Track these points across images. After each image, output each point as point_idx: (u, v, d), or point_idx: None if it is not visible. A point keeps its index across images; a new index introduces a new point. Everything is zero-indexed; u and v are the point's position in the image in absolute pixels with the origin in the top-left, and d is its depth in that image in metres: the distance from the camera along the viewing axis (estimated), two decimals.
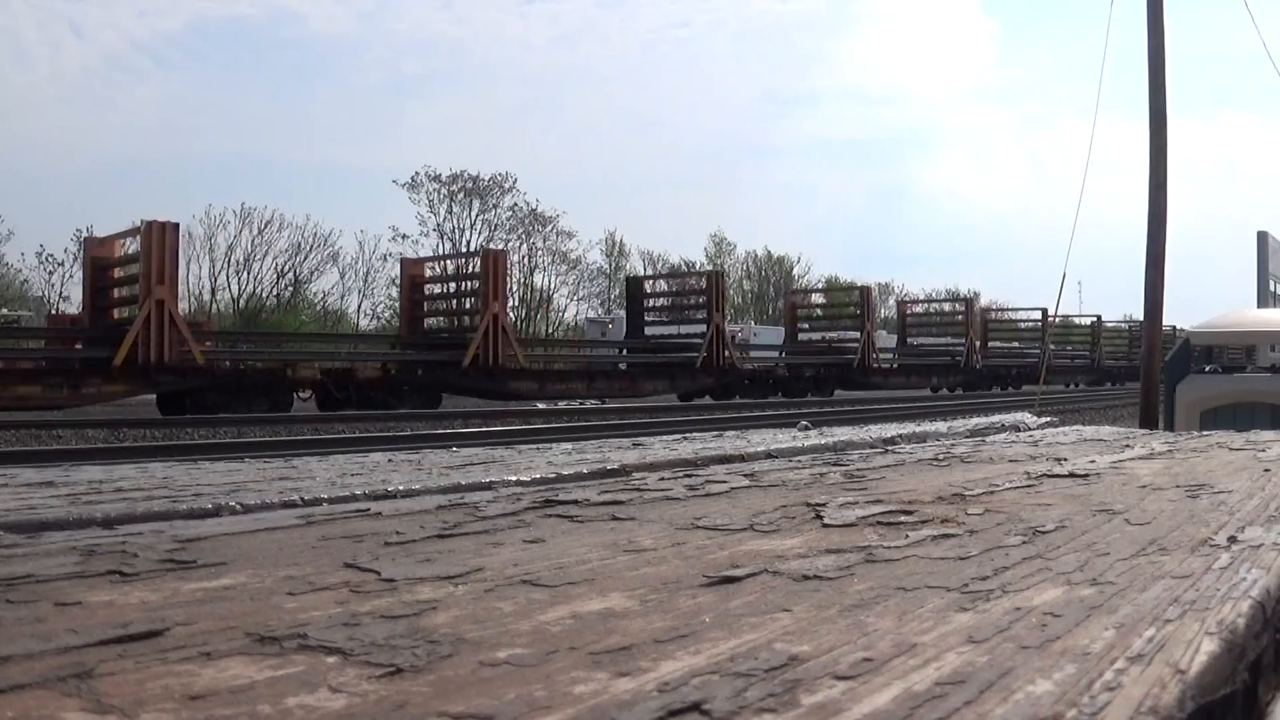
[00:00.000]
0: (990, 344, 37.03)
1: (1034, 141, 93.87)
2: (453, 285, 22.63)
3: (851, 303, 30.54)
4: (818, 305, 33.62)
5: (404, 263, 23.44)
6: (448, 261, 23.86)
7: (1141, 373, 12.94)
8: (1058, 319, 30.75)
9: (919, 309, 39.37)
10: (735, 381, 24.60)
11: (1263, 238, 21.09)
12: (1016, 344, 38.01)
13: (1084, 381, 39.29)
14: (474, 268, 21.14)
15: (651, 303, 26.70)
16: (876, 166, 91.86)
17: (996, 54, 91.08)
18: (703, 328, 23.68)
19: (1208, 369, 10.92)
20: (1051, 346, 37.07)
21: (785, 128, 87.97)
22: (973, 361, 32.00)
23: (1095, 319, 43.11)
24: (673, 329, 25.60)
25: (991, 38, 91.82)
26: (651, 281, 28.40)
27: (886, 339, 36.75)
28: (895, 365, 31.14)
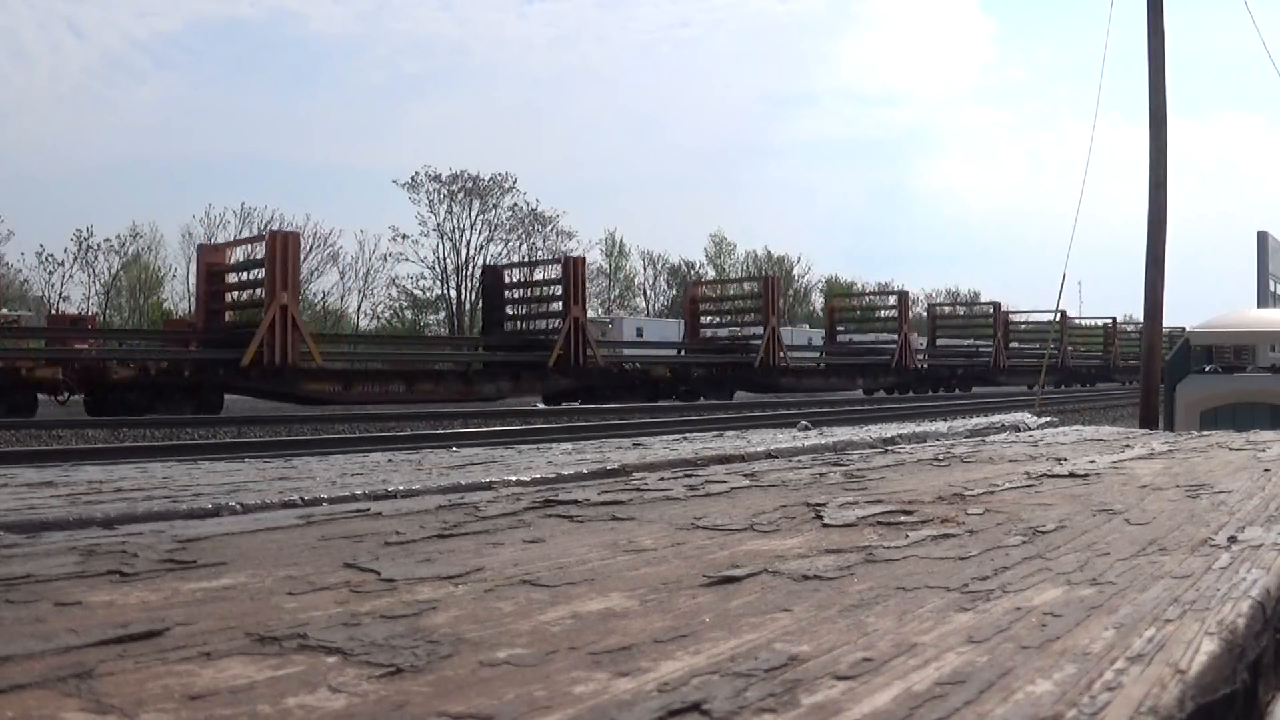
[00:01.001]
0: (939, 341, 35.56)
1: (1033, 141, 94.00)
2: (246, 274, 18.61)
3: (754, 294, 27.18)
4: (722, 298, 29.57)
5: (201, 250, 20.15)
6: (247, 247, 19.70)
7: (1142, 373, 12.94)
8: (1054, 317, 30.19)
9: (854, 304, 37.38)
10: (600, 382, 21.73)
11: (1263, 238, 21.09)
12: (972, 341, 35.88)
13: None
14: (259, 254, 17.94)
15: (513, 294, 23.39)
16: (876, 166, 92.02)
17: (996, 54, 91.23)
18: (559, 321, 21.19)
19: (1208, 369, 10.92)
20: (1052, 347, 37.03)
21: (785, 128, 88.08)
22: (906, 361, 29.29)
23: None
24: (543, 323, 22.59)
25: (990, 38, 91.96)
26: (512, 271, 24.53)
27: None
28: (823, 365, 28.83)
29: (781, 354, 25.58)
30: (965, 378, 32.82)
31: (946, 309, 44.02)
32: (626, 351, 26.18)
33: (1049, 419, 3.31)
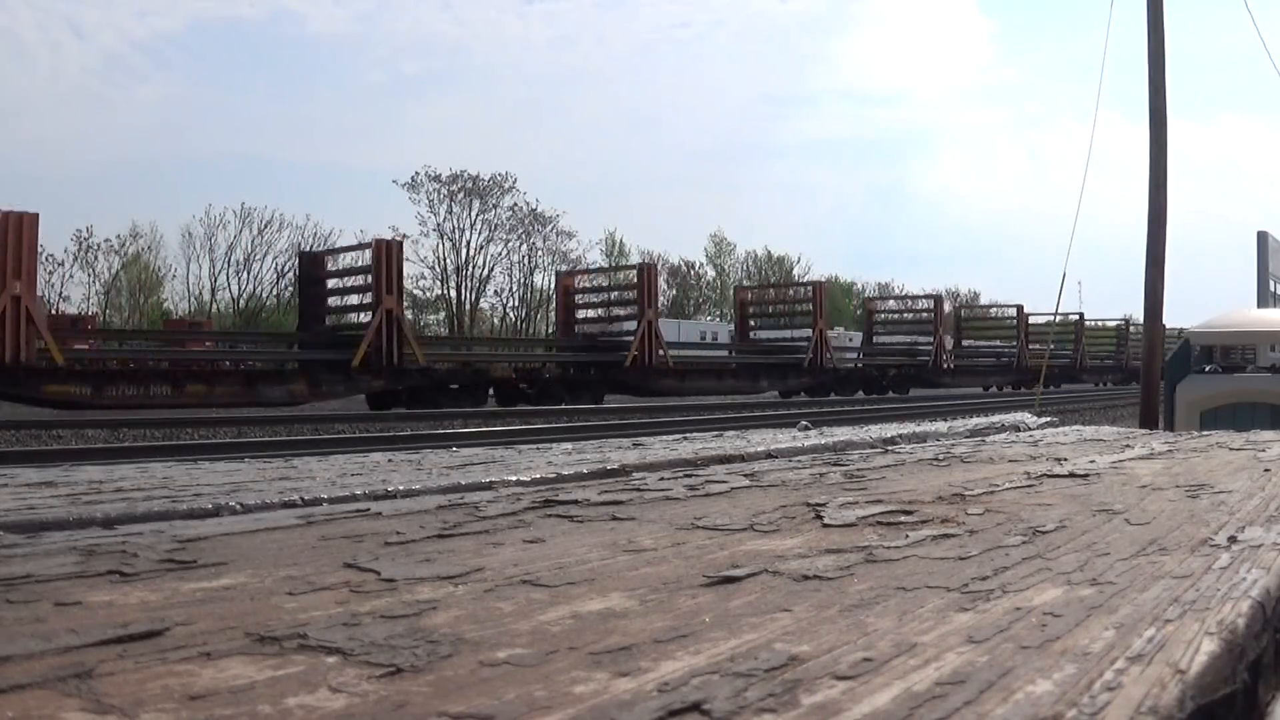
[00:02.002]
0: (877, 339, 32.15)
1: (1033, 141, 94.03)
2: None
3: (628, 285, 23.82)
4: (594, 288, 25.98)
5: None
6: None
7: (1142, 373, 12.94)
8: (1053, 316, 29.58)
9: (768, 295, 32.97)
10: (421, 383, 19.08)
11: (1263, 238, 21.08)
12: (919, 338, 32.08)
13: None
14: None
15: (337, 283, 20.40)
16: (876, 166, 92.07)
17: (995, 54, 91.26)
18: (369, 315, 18.50)
19: (1208, 369, 10.92)
20: (1012, 344, 36.42)
21: (784, 128, 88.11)
22: (823, 360, 25.96)
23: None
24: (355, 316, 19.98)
25: (990, 38, 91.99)
26: (338, 257, 21.35)
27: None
28: (733, 364, 25.75)
29: (661, 351, 22.40)
30: (901, 379, 29.68)
31: (890, 303, 41.90)
32: (477, 349, 23.87)
33: (1049, 419, 3.31)
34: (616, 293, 24.69)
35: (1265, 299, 19.58)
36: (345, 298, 20.50)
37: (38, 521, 1.09)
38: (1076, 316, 37.08)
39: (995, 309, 42.71)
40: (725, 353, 28.80)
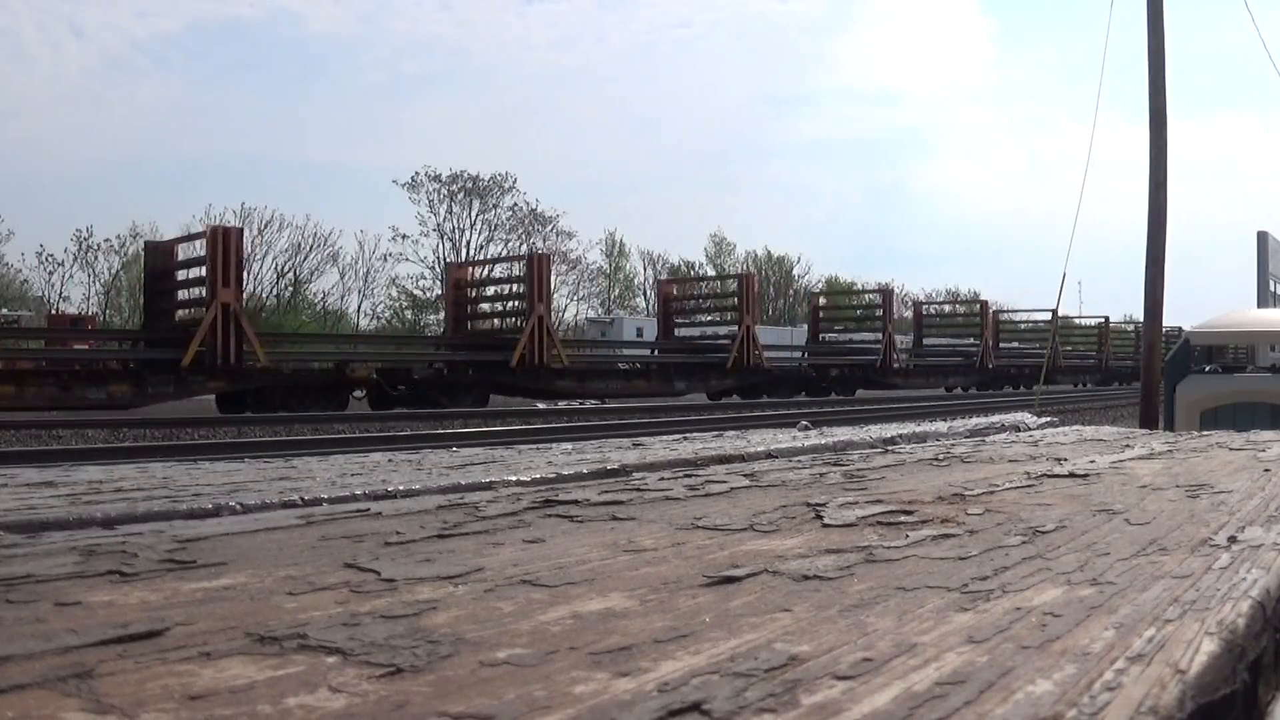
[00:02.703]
0: (824, 336, 30.49)
1: (1032, 141, 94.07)
2: None
3: (518, 277, 22.61)
4: (486, 280, 24.74)
5: None
6: None
7: (1142, 373, 12.94)
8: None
9: (690, 290, 31.50)
10: (266, 384, 17.77)
11: (1263, 238, 21.09)
12: (869, 335, 30.76)
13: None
14: None
15: (184, 275, 18.64)
16: (875, 166, 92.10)
17: (995, 54, 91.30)
18: (204, 312, 16.84)
19: (1208, 369, 10.92)
20: (1013, 344, 35.92)
21: (784, 128, 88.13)
22: (748, 358, 24.08)
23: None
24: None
25: (990, 38, 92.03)
26: (182, 248, 19.68)
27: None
28: (655, 364, 24.61)
29: (554, 350, 21.08)
30: (845, 380, 28.08)
31: (840, 299, 40.93)
32: (342, 348, 22.04)
33: (1049, 419, 3.31)
34: (507, 286, 23.20)
35: (1265, 299, 19.58)
36: (190, 291, 18.63)
37: (38, 521, 1.09)
38: (879, 295, 32.87)
39: (960, 304, 41.79)
40: (648, 351, 27.55)
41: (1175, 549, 1.00)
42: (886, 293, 31.44)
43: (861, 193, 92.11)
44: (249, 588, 0.81)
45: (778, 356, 28.22)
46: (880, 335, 29.26)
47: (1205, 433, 2.93)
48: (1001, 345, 36.66)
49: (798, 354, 29.32)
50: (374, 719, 0.53)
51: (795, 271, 63.00)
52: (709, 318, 28.55)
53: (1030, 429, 2.97)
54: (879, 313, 30.61)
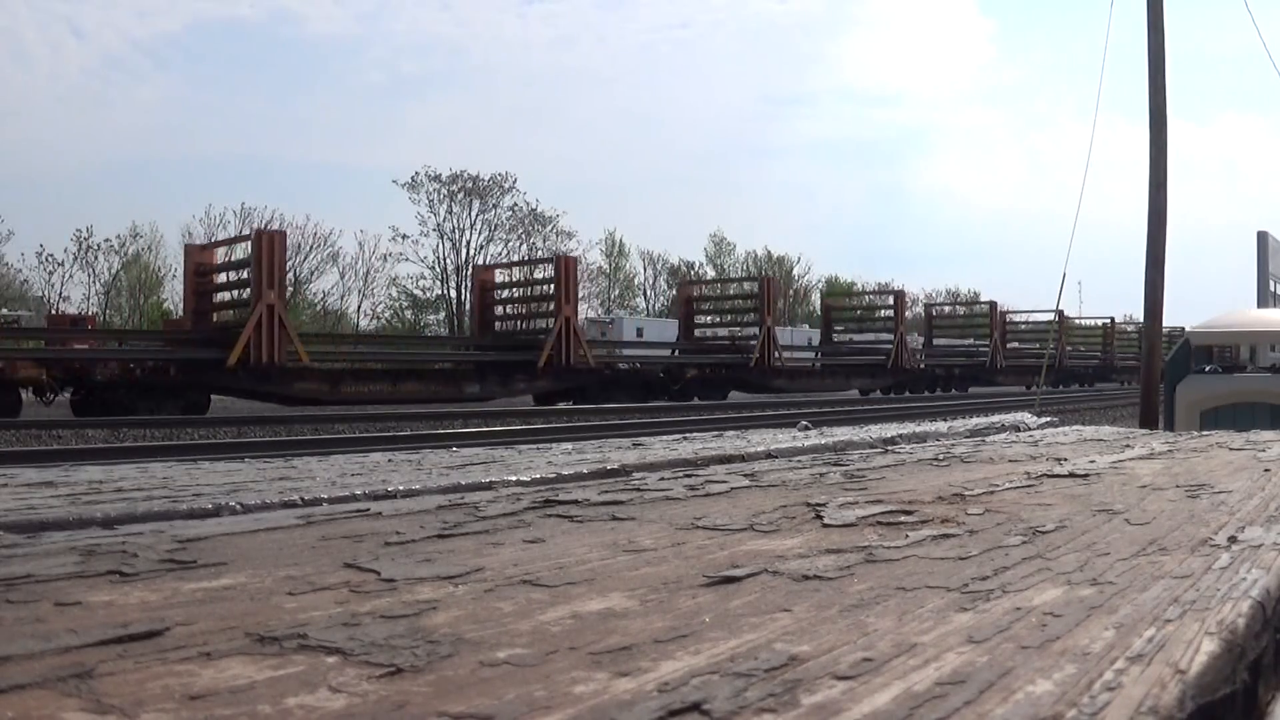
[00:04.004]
0: (697, 330, 27.25)
1: (1032, 142, 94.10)
2: None
3: (241, 263, 19.44)
4: (223, 265, 20.60)
5: None
6: None
7: (1142, 373, 12.94)
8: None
9: (508, 279, 26.54)
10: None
11: (1263, 238, 21.09)
12: (748, 329, 26.72)
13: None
14: None
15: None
16: (875, 166, 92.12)
17: (994, 55, 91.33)
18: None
19: (1208, 369, 10.92)
20: (943, 342, 34.97)
21: (784, 128, 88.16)
22: (570, 359, 21.35)
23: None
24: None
25: (989, 38, 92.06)
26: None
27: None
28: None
29: (291, 347, 18.18)
30: (709, 381, 25.21)
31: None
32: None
33: (1049, 419, 3.31)
34: (235, 272, 19.72)
35: (1265, 299, 19.58)
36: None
37: (38, 521, 1.09)
38: (754, 285, 29.12)
39: (875, 296, 40.18)
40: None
41: (1175, 549, 1.00)
42: (763, 280, 29.29)
43: (861, 193, 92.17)
44: (249, 588, 0.81)
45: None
46: (757, 329, 26.16)
47: (1205, 433, 2.93)
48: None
49: (661, 353, 28.04)
50: (374, 719, 0.53)
51: (795, 271, 63.02)
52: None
53: (1030, 429, 2.97)
54: (752, 303, 27.50)
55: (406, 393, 19.85)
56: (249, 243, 18.62)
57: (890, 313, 31.42)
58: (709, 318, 27.83)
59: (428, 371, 21.06)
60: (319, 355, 20.05)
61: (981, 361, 34.91)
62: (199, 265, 19.71)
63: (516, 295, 24.35)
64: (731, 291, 29.29)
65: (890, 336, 30.20)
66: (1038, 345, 39.27)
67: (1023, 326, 43.03)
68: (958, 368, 34.31)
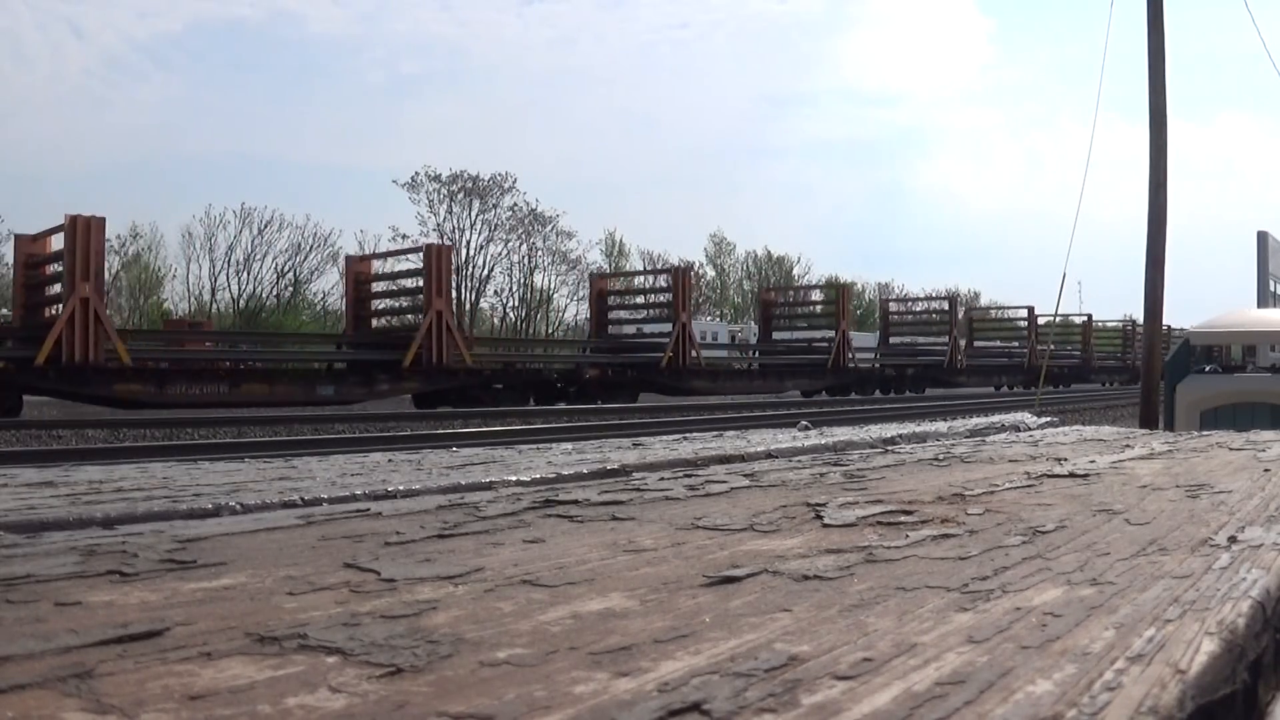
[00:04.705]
0: (610, 327, 24.91)
1: (1031, 141, 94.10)
2: None
3: (50, 258, 17.43)
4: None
5: None
6: None
7: (1142, 373, 12.94)
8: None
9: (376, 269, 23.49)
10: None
11: (1263, 238, 21.09)
12: (660, 325, 24.42)
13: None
14: None
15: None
16: (875, 166, 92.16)
17: (994, 55, 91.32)
18: None
19: (1208, 369, 10.92)
20: (898, 338, 33.01)
21: (783, 128, 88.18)
22: (442, 359, 19.72)
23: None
24: None
25: (989, 38, 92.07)
26: None
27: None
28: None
29: (109, 342, 16.54)
30: (610, 382, 22.68)
31: (638, 280, 35.71)
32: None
33: (1049, 419, 3.31)
34: (57, 264, 17.55)
35: (1265, 299, 19.58)
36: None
37: (38, 521, 1.09)
38: (665, 275, 26.86)
39: (816, 290, 37.76)
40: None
41: (1175, 549, 1.00)
42: (676, 270, 26.32)
43: (861, 193, 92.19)
44: (249, 588, 0.81)
45: (860, 358, 28.45)
46: (670, 325, 23.68)
47: (1205, 433, 2.93)
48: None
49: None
50: (374, 719, 0.53)
51: (795, 271, 62.96)
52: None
53: (1030, 429, 2.97)
54: (665, 298, 24.94)
55: (248, 395, 17.94)
56: (63, 233, 16.64)
57: (834, 308, 28.00)
58: (626, 313, 25.38)
59: (274, 371, 18.99)
60: (145, 353, 18.14)
61: (938, 361, 31.78)
62: (28, 257, 18.02)
63: (391, 288, 22.32)
64: (644, 285, 26.98)
65: (832, 333, 27.19)
66: (1000, 343, 38.44)
67: (991, 324, 42.04)
68: (910, 368, 30.96)
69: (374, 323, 21.76)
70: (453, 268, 21.83)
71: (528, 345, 30.34)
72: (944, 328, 33.15)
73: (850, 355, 27.68)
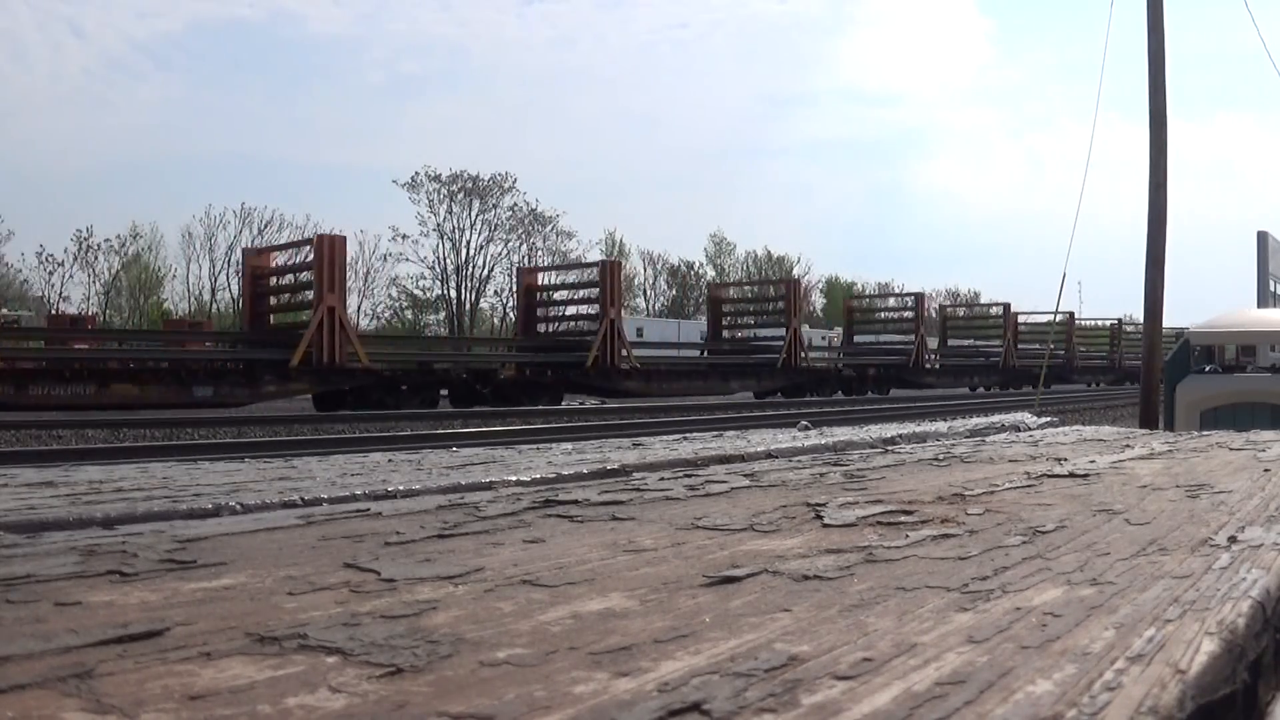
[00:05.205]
0: (540, 324, 23.53)
1: (1031, 142, 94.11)
2: None
3: None
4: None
5: None
6: None
7: (1142, 373, 12.94)
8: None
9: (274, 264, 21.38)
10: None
11: (1263, 238, 21.09)
12: (585, 323, 23.08)
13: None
14: None
15: None
16: (874, 166, 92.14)
17: (994, 55, 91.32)
18: None
19: (1208, 369, 10.92)
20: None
21: (783, 128, 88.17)
22: (336, 358, 18.32)
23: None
24: None
25: (988, 38, 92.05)
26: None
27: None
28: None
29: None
30: (543, 385, 21.54)
31: (548, 277, 31.03)
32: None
33: (1049, 419, 3.31)
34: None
35: (1265, 299, 19.59)
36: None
37: (38, 521, 1.09)
38: (593, 272, 24.44)
39: (769, 285, 35.21)
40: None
41: (1175, 549, 1.00)
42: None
43: (861, 193, 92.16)
44: (249, 588, 0.81)
45: (819, 357, 27.55)
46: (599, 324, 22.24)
47: (1205, 433, 2.93)
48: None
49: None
50: (374, 719, 0.53)
51: (795, 271, 62.96)
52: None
53: (1030, 429, 2.97)
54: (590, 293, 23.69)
55: (117, 397, 16.80)
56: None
57: (783, 304, 26.35)
58: (562, 309, 23.85)
59: (144, 371, 17.72)
60: (8, 354, 17.38)
61: (902, 360, 30.27)
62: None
63: (285, 283, 20.40)
64: (574, 279, 24.68)
65: (783, 331, 25.76)
66: (975, 342, 37.20)
67: (965, 322, 40.76)
68: (872, 368, 29.40)
69: (273, 319, 20.50)
70: (347, 259, 20.05)
71: (438, 344, 28.76)
72: (910, 326, 31.92)
73: (804, 354, 26.38)
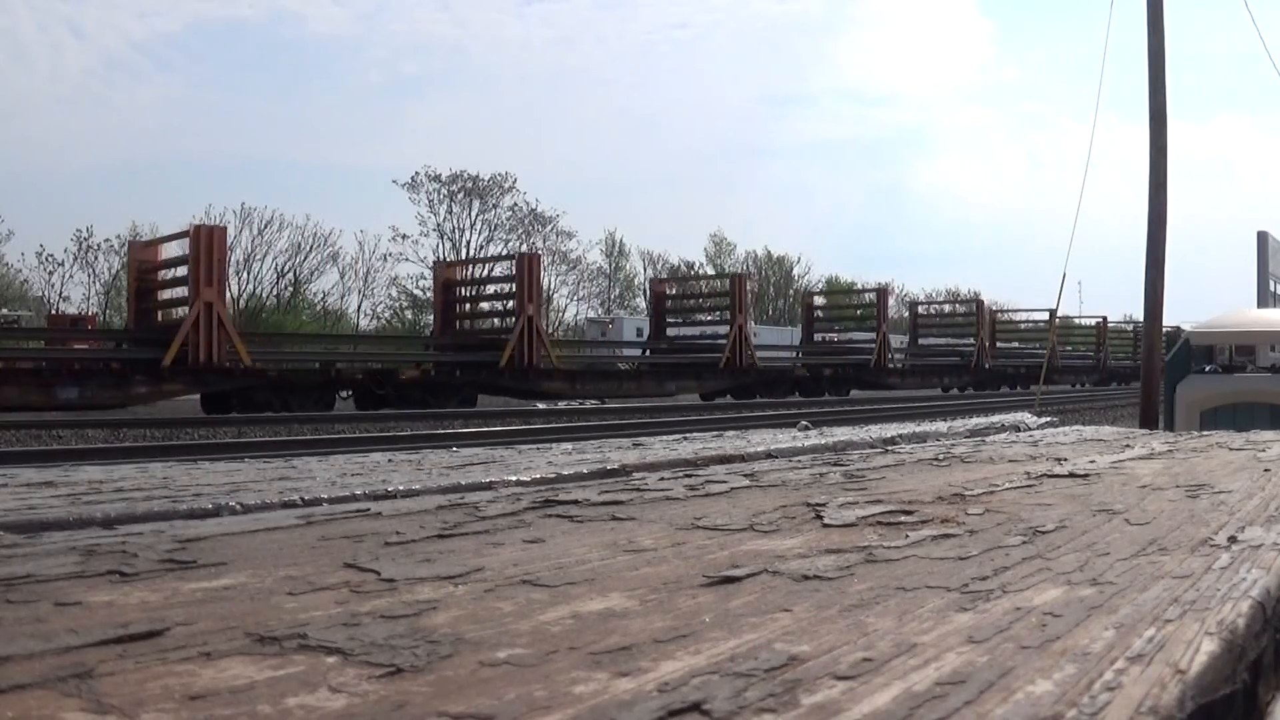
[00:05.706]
0: (458, 321, 22.30)
1: (1031, 142, 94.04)
2: None
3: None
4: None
5: None
6: None
7: (1142, 373, 12.95)
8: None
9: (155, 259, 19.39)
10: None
11: (1263, 238, 21.11)
12: (498, 320, 22.27)
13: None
14: None
15: None
16: (874, 166, 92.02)
17: (993, 55, 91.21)
18: None
19: (1208, 369, 10.92)
20: (724, 336, 31.32)
21: (783, 128, 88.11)
22: (218, 357, 17.13)
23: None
24: None
25: (989, 38, 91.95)
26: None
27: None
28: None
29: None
30: (453, 386, 20.23)
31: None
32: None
33: (1049, 419, 3.31)
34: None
35: (1265, 299, 19.60)
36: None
37: (38, 521, 1.09)
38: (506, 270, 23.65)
39: (716, 280, 33.97)
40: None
41: (1175, 549, 1.00)
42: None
43: (861, 193, 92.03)
44: (249, 588, 0.81)
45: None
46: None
47: (1205, 433, 2.93)
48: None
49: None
50: (374, 719, 0.53)
51: (795, 271, 63.00)
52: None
53: (1030, 429, 2.97)
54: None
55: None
56: None
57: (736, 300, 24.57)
58: (482, 305, 22.58)
59: (6, 371, 16.33)
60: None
61: (863, 360, 28.62)
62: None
63: (168, 278, 18.73)
64: (491, 274, 23.59)
65: (726, 329, 24.20)
66: (949, 340, 35.41)
67: (938, 320, 38.95)
68: (828, 368, 27.79)
69: (160, 316, 18.67)
70: (226, 254, 18.83)
71: (335, 342, 27.19)
72: (871, 323, 30.10)
73: (750, 353, 24.49)
